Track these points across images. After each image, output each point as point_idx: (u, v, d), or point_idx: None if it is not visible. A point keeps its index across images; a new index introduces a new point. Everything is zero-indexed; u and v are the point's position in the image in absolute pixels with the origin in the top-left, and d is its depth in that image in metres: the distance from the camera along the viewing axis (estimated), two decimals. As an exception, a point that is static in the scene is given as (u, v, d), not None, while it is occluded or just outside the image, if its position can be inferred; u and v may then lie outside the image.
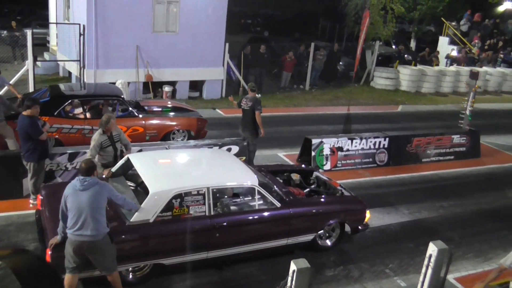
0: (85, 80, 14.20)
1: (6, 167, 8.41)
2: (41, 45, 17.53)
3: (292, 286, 4.73)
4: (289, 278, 4.74)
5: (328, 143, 11.23)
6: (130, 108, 10.67)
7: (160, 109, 11.67)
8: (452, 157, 13.02)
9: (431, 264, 5.60)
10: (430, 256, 5.60)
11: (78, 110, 10.32)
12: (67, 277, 5.72)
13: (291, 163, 11.22)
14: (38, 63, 14.89)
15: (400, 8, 24.21)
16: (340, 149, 11.37)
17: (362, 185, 10.73)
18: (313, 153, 11.03)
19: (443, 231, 9.01)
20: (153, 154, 7.84)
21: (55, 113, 9.91)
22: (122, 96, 10.76)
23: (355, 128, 14.48)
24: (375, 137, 11.89)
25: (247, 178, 7.14)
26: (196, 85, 16.63)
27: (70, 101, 10.26)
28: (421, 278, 5.78)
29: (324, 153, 11.18)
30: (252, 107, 10.13)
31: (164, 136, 10.91)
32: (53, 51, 17.87)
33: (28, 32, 13.78)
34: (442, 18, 26.26)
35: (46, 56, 17.91)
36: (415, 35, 28.63)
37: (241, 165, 7.67)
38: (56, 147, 9.43)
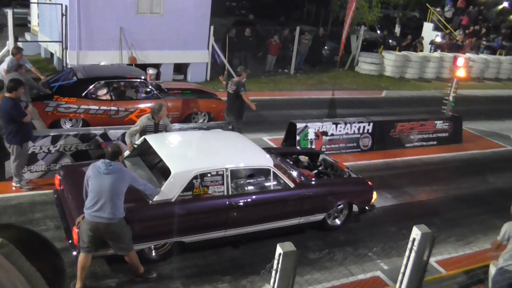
0: (67, 61, 13.96)
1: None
2: (22, 25, 17.15)
3: (278, 269, 4.76)
4: (275, 261, 4.76)
5: (313, 128, 11.26)
6: (153, 90, 10.72)
7: (180, 91, 11.73)
8: (435, 142, 13.17)
9: (415, 248, 5.67)
10: (414, 239, 5.67)
11: (104, 92, 10.38)
12: (81, 256, 5.81)
13: (275, 147, 11.23)
14: (19, 44, 14.58)
15: (386, -7, 24.20)
16: (325, 133, 11.42)
17: (346, 170, 10.80)
18: (297, 138, 11.06)
19: (425, 215, 9.15)
20: (169, 136, 7.94)
21: (83, 95, 10.02)
22: (144, 78, 10.85)
23: (340, 112, 14.52)
24: (359, 122, 11.96)
25: (263, 159, 7.35)
26: (180, 68, 16.48)
27: (96, 82, 10.29)
28: (404, 261, 5.86)
29: (309, 137, 11.22)
30: (236, 91, 10.10)
31: (185, 118, 11.01)
32: (34, 31, 17.48)
33: (9, 12, 13.46)
34: (426, 4, 26.31)
35: (27, 36, 17.52)
36: (399, 21, 28.67)
37: (256, 147, 7.84)
38: (45, 129, 9.36)
